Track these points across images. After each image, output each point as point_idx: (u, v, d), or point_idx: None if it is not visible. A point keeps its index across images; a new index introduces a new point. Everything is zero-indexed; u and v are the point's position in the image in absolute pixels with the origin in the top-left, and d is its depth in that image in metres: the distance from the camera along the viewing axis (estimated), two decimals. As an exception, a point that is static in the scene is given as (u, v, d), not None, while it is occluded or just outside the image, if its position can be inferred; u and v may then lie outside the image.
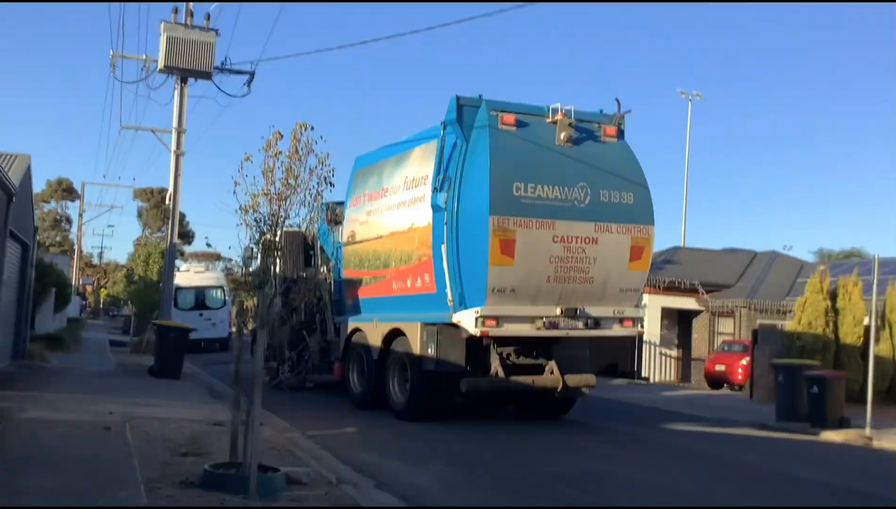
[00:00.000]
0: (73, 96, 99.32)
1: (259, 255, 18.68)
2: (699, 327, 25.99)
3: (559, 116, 11.56)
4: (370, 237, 13.48)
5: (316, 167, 7.37)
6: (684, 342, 26.39)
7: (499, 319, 10.96)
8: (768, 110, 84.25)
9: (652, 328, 24.08)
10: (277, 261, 17.40)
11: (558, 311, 11.22)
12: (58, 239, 75.42)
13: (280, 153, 7.24)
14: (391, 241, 12.76)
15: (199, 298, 27.28)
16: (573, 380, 12.13)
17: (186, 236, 62.19)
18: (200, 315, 26.17)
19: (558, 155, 11.50)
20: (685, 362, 26.31)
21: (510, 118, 11.39)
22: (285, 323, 16.14)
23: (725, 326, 25.39)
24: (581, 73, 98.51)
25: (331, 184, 7.67)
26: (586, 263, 11.31)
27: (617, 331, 11.88)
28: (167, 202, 17.70)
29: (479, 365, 11.86)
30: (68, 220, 76.09)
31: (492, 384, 11.88)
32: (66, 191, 74.76)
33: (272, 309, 7.97)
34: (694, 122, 41.26)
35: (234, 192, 7.28)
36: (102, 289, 67.36)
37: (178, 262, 24.96)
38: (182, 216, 42.66)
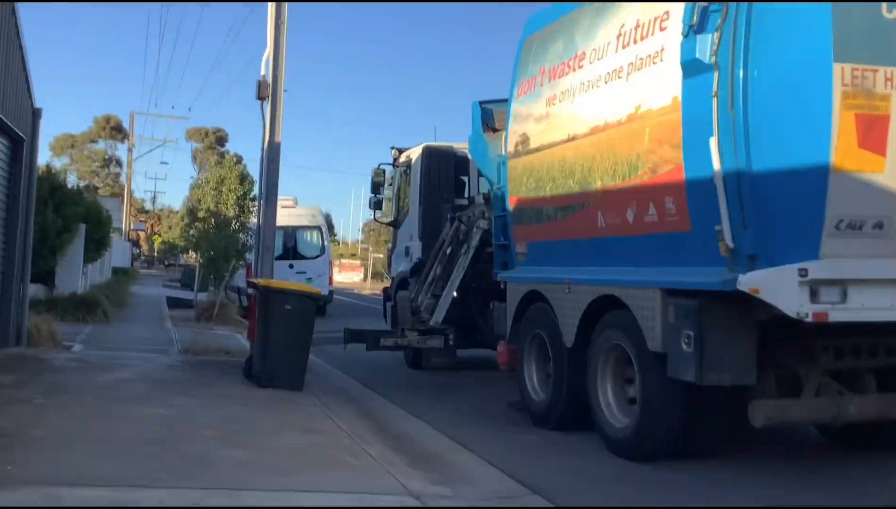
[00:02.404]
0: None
1: (395, 179, 13.42)
2: None
3: None
4: (555, 141, 8.03)
5: None
6: None
7: (846, 287, 5.39)
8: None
9: None
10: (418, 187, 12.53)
11: None
12: (108, 181, 73.20)
13: None
14: (595, 143, 7.29)
15: (289, 243, 21.09)
16: None
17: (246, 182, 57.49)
18: (291, 267, 19.79)
19: None
20: None
21: None
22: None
23: None
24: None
25: None
26: None
27: None
28: (262, 70, 11.69)
29: (778, 372, 6.22)
30: (118, 163, 73.77)
31: (815, 412, 6.15)
32: (115, 129, 72.30)
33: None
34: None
35: None
36: (156, 236, 63.90)
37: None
38: (239, 158, 32.08)
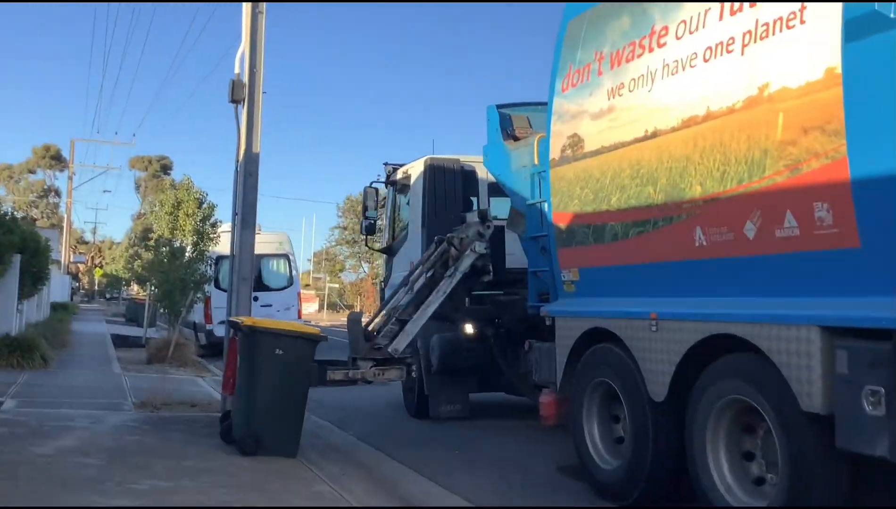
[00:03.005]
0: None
1: (389, 199, 11.39)
2: None
3: None
4: (624, 140, 6.37)
5: None
6: None
7: None
8: None
9: None
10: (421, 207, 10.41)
11: None
12: (46, 212, 70.71)
13: None
14: (690, 139, 5.65)
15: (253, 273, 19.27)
16: None
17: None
18: (255, 299, 17.69)
19: None
20: None
21: None
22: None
23: None
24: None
25: None
26: None
27: None
28: (236, 68, 9.82)
29: None
30: (57, 193, 71.43)
31: None
32: (55, 158, 70.25)
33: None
34: None
35: None
36: (97, 269, 61.19)
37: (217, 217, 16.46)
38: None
